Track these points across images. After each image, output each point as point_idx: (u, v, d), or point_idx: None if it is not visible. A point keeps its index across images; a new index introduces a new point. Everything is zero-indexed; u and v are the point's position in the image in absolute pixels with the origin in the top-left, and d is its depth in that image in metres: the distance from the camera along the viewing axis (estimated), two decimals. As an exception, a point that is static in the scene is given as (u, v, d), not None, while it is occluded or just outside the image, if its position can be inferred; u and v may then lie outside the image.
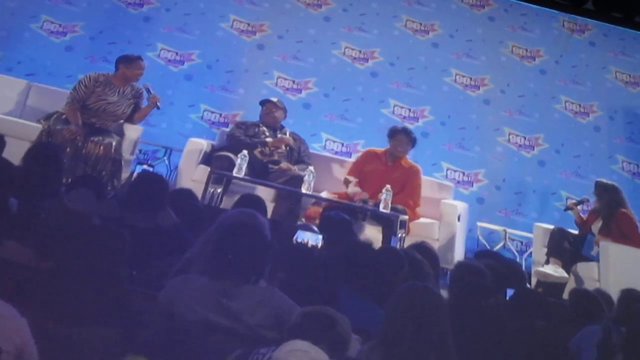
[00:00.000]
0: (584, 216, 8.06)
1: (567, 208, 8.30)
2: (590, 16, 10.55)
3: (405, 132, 8.10)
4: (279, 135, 8.09)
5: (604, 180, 8.03)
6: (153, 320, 3.51)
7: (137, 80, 7.75)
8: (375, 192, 7.58)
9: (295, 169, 7.82)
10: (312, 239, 5.06)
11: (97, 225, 4.00)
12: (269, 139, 7.99)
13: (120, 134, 7.63)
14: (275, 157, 7.92)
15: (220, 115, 9.67)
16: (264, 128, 8.11)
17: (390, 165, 8.04)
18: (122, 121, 7.72)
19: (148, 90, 7.76)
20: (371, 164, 8.04)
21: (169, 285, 3.71)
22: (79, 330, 3.22)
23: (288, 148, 8.05)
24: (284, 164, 7.83)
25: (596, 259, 7.45)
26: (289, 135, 8.19)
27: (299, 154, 8.14)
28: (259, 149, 7.85)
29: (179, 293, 3.63)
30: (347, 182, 7.82)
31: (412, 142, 8.09)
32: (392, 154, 8.06)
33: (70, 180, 5.88)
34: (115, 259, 3.52)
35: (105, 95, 7.55)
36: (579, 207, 8.10)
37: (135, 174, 6.15)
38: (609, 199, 7.71)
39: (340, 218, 5.77)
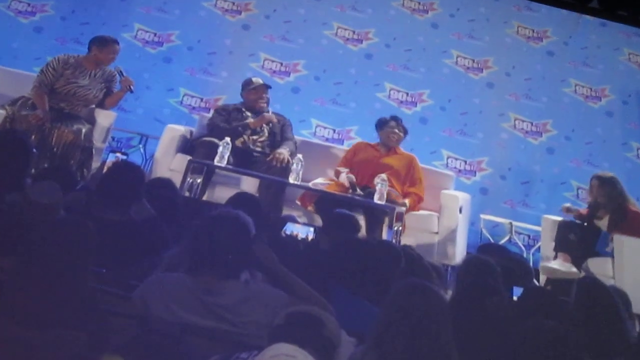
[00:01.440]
0: (582, 210, 7.99)
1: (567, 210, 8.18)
2: (595, 14, 10.62)
3: (396, 119, 8.11)
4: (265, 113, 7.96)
5: (602, 174, 7.95)
6: (125, 323, 3.46)
7: (109, 63, 7.71)
8: (371, 181, 7.53)
9: (285, 153, 7.70)
10: (301, 231, 5.03)
11: (62, 218, 3.91)
12: (250, 120, 7.87)
13: (91, 120, 7.59)
14: (258, 148, 7.81)
15: (201, 100, 9.66)
16: (248, 114, 7.99)
17: (385, 154, 8.02)
18: (93, 106, 7.69)
19: (120, 73, 7.73)
20: (364, 153, 8.02)
21: (143, 285, 3.67)
22: (41, 334, 3.17)
23: (269, 134, 7.91)
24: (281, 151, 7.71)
25: (609, 254, 7.39)
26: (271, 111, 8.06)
27: (281, 136, 8.01)
28: (241, 139, 7.73)
29: (154, 293, 3.59)
30: (338, 174, 7.79)
31: (405, 130, 8.10)
32: (385, 144, 8.05)
33: (35, 170, 5.78)
34: (82, 256, 3.45)
35: (75, 79, 7.50)
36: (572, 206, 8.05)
37: (107, 163, 6.09)
38: (612, 192, 7.65)
39: (353, 218, 5.70)
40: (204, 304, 3.55)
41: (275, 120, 7.97)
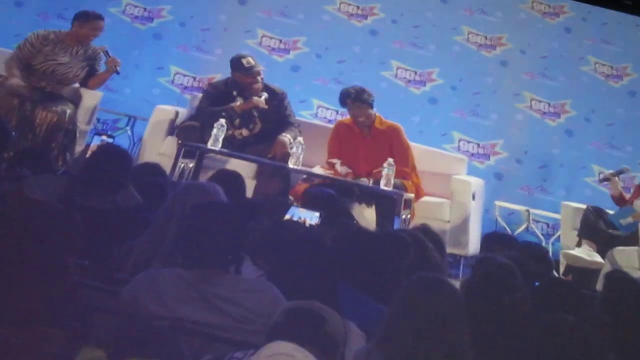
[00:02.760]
0: (627, 194, 7.94)
1: (604, 179, 8.11)
2: (601, 4, 10.55)
3: (350, 95, 7.82)
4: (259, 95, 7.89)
5: None
6: (111, 320, 3.38)
7: (89, 40, 7.68)
8: (359, 170, 7.60)
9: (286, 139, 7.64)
10: (308, 217, 5.04)
11: (41, 206, 3.84)
12: (236, 104, 7.80)
13: (75, 100, 7.58)
14: (249, 134, 7.78)
15: (194, 79, 9.63)
16: (239, 98, 7.91)
17: (366, 135, 7.90)
18: (77, 85, 7.67)
19: (106, 53, 7.72)
20: (346, 139, 7.92)
21: (133, 282, 3.63)
22: (19, 331, 3.09)
23: (262, 124, 7.84)
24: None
25: (628, 230, 7.39)
26: (263, 95, 7.94)
27: (277, 113, 7.93)
28: (230, 133, 7.64)
29: (145, 289, 3.55)
30: (331, 166, 7.75)
31: (365, 102, 7.81)
32: (359, 123, 7.90)
33: (12, 154, 5.75)
34: (63, 247, 3.38)
35: (55, 56, 7.44)
36: (617, 179, 7.97)
37: (91, 147, 6.08)
38: None
39: (325, 194, 5.69)
40: (203, 297, 3.52)
41: (265, 105, 7.82)
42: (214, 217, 3.71)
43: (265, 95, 7.84)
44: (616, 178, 7.98)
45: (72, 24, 7.66)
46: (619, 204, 7.87)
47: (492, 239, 5.72)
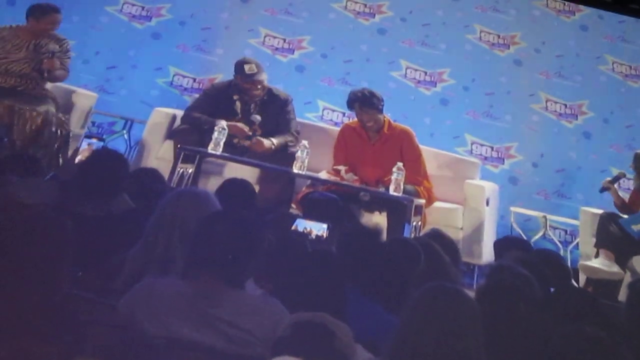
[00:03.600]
0: (625, 196, 7.93)
1: (603, 189, 8.11)
2: (608, 8, 10.60)
3: (360, 102, 7.67)
4: (253, 117, 7.82)
5: None
6: (105, 334, 3.39)
7: (46, 35, 7.54)
8: (367, 177, 7.55)
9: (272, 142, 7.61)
10: (315, 228, 5.09)
11: (31, 212, 3.82)
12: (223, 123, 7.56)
13: (53, 99, 7.51)
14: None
15: (194, 80, 9.63)
16: (239, 102, 7.90)
17: (373, 141, 7.79)
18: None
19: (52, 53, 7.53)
20: (352, 144, 7.83)
21: (130, 293, 3.58)
22: (8, 345, 3.10)
23: (260, 127, 7.77)
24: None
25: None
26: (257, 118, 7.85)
27: (277, 119, 7.88)
28: (230, 140, 7.58)
29: (142, 302, 3.50)
30: (337, 172, 7.62)
31: (373, 107, 7.66)
32: (367, 128, 7.80)
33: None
34: (54, 256, 3.34)
35: (7, 53, 7.41)
36: (616, 186, 7.98)
37: (81, 150, 6.05)
38: None
39: (325, 199, 5.64)
40: (203, 316, 3.46)
41: (249, 132, 7.70)
42: (227, 226, 3.64)
43: (257, 117, 7.74)
44: (615, 186, 7.96)
45: (26, 18, 7.53)
46: (623, 211, 7.80)
47: (504, 244, 5.67)
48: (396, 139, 7.75)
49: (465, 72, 10.05)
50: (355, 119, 7.91)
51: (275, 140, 7.65)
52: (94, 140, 6.20)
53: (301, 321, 3.16)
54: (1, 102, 7.11)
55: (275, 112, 7.91)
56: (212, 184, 7.42)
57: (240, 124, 7.69)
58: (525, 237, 8.45)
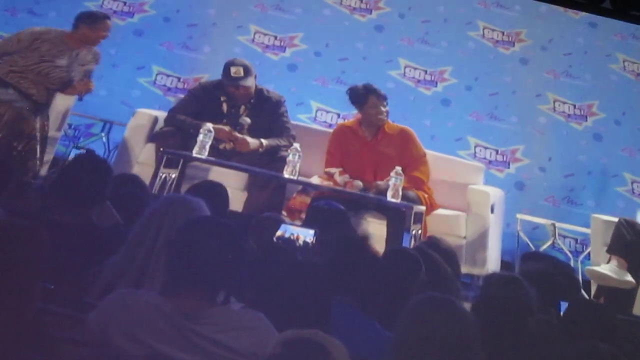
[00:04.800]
0: None
1: None
2: (608, 15, 10.61)
3: (374, 91, 7.81)
4: (242, 119, 7.79)
5: None
6: (80, 353, 3.34)
7: (98, 43, 7.56)
8: (364, 179, 7.52)
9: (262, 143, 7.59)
10: (302, 234, 5.05)
11: (6, 223, 3.78)
12: (204, 124, 7.50)
13: None
14: (233, 147, 7.70)
15: (179, 79, 9.66)
16: (225, 104, 7.89)
17: (372, 140, 7.82)
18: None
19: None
20: (348, 144, 7.84)
21: (102, 306, 3.51)
22: None
23: (248, 131, 7.75)
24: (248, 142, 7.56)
25: None
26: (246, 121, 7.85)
27: (269, 122, 7.87)
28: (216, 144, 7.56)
29: (115, 315, 3.42)
30: (330, 177, 7.64)
31: (386, 99, 7.84)
32: (370, 123, 7.82)
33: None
34: (26, 268, 3.32)
35: (52, 57, 7.34)
36: None
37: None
38: None
39: (333, 209, 5.62)
40: (182, 333, 3.38)
41: (236, 136, 7.67)
42: (210, 235, 3.57)
43: (247, 120, 7.74)
44: None
45: (76, 26, 7.48)
46: None
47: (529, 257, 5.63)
48: (396, 138, 7.80)
49: (467, 71, 10.06)
50: (351, 119, 7.93)
51: (264, 141, 7.61)
52: (82, 152, 6.24)
53: (292, 338, 3.08)
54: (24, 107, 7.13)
55: (267, 115, 7.90)
56: (196, 191, 7.45)
57: (227, 128, 7.66)
58: (532, 247, 8.60)
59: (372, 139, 7.81)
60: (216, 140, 7.38)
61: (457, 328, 3.20)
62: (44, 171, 7.15)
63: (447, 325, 3.19)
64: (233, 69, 7.82)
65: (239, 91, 7.81)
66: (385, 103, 7.77)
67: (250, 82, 7.82)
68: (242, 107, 7.86)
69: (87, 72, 7.51)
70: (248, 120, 7.72)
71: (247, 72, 7.83)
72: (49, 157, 7.30)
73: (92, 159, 5.09)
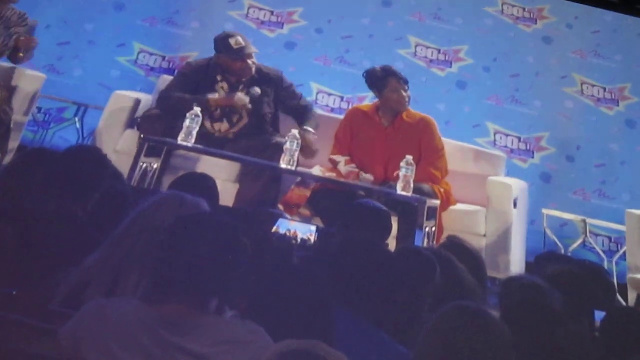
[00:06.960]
0: None
1: None
2: (613, 9, 10.76)
3: (396, 75, 7.78)
4: (252, 90, 7.72)
5: None
6: None
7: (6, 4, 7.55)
8: (375, 171, 7.49)
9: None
10: (300, 230, 5.13)
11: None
12: (211, 96, 7.65)
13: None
14: (229, 129, 7.66)
15: (163, 58, 9.71)
16: (224, 83, 7.80)
17: (389, 127, 7.76)
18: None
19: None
20: (361, 130, 7.79)
21: (77, 317, 3.39)
22: None
23: (251, 117, 7.74)
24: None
25: None
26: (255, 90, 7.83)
27: (276, 102, 7.85)
28: (206, 127, 7.55)
29: (90, 327, 3.32)
30: (335, 164, 7.63)
31: (407, 84, 7.81)
32: (390, 108, 7.76)
33: None
34: None
35: None
36: None
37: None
38: None
39: (378, 210, 5.47)
40: (163, 347, 3.28)
41: (249, 106, 7.69)
42: (205, 233, 3.49)
43: (257, 90, 7.72)
44: None
45: None
46: None
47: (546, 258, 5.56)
48: (415, 128, 7.74)
49: (485, 51, 10.18)
50: (366, 103, 7.87)
51: (311, 130, 7.61)
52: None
53: (291, 350, 2.98)
54: None
55: (272, 91, 7.87)
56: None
57: (240, 94, 7.63)
58: (560, 246, 8.64)
59: (388, 126, 7.74)
60: (211, 119, 7.31)
61: (492, 343, 3.15)
62: (7, 160, 7.12)
63: (481, 339, 3.13)
64: (232, 40, 7.77)
65: (245, 63, 7.73)
66: (406, 87, 7.71)
67: (253, 50, 7.82)
68: (241, 86, 7.78)
69: (18, 34, 7.46)
70: (258, 90, 7.71)
71: (246, 40, 7.83)
72: (14, 144, 7.31)
73: (92, 151, 5.04)
